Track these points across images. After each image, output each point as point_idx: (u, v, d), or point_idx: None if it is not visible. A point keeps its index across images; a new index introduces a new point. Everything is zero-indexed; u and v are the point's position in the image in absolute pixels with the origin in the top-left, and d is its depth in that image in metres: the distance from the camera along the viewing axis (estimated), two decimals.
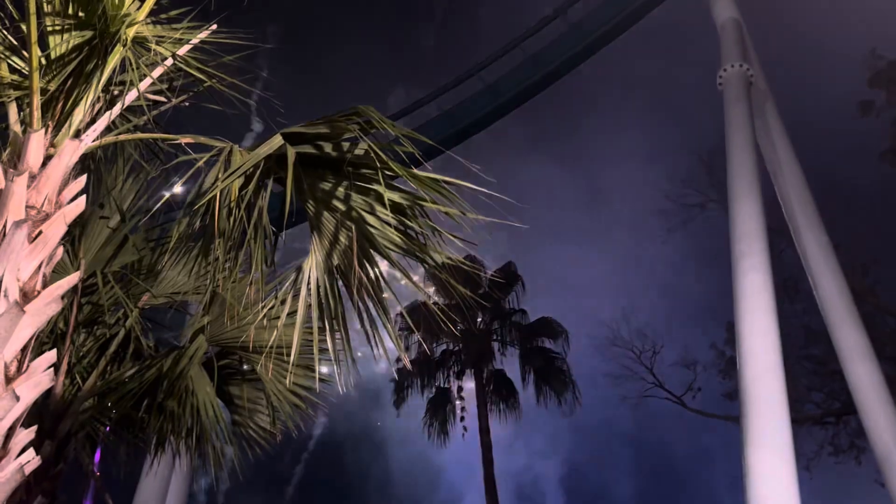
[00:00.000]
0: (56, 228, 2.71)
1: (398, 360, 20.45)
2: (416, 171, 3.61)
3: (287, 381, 5.11)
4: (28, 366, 2.55)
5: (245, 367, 5.65)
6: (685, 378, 22.64)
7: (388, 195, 3.52)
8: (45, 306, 2.57)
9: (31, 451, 2.47)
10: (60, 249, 2.84)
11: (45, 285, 2.66)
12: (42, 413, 4.52)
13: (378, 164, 3.33)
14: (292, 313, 4.78)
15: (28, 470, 2.43)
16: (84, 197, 2.89)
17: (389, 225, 3.75)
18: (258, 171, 3.31)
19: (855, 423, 19.28)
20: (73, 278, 2.71)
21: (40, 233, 2.66)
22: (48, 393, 4.56)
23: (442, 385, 21.94)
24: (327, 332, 4.20)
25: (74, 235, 4.66)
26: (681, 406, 22.59)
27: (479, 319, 22.39)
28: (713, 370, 22.48)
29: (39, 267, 2.67)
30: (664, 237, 23.38)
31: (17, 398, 2.38)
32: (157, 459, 5.68)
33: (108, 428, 5.55)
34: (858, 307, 13.11)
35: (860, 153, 20.81)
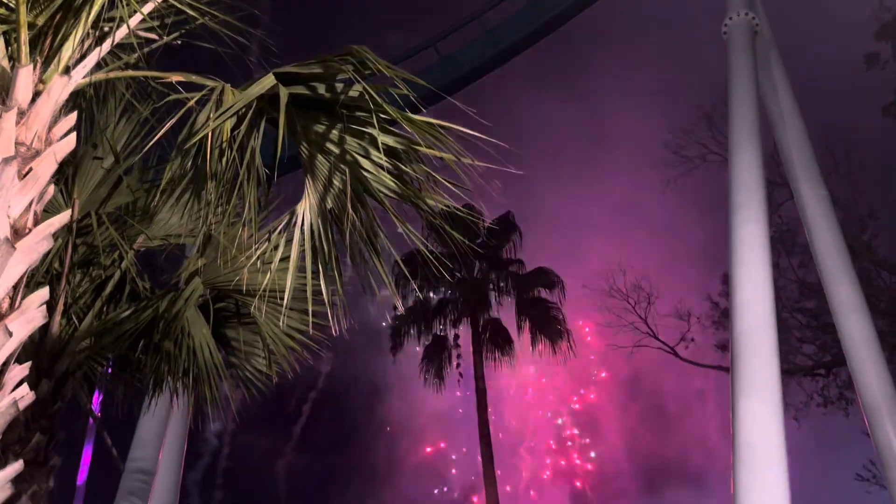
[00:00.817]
0: (47, 166, 2.69)
1: (395, 307, 20.62)
2: (411, 115, 3.57)
3: (282, 324, 5.15)
4: (20, 303, 2.56)
5: (241, 310, 5.69)
6: (679, 328, 22.86)
7: (383, 139, 3.49)
8: (37, 244, 2.57)
9: (25, 387, 2.50)
10: (52, 188, 2.82)
11: (36, 223, 2.66)
12: (39, 352, 4.57)
13: (372, 107, 3.30)
14: (286, 258, 4.80)
15: (22, 405, 2.46)
16: (74, 135, 2.86)
17: (384, 169, 3.73)
18: (250, 112, 3.27)
19: (844, 375, 19.57)
20: (64, 216, 2.70)
21: (30, 170, 2.64)
22: (45, 332, 4.60)
23: (438, 333, 22.18)
24: (321, 276, 4.22)
25: (68, 175, 4.64)
26: (674, 356, 22.87)
27: (476, 268, 22.50)
28: (707, 321, 22.70)
29: (30, 204, 2.65)
30: (663, 187, 23.29)
31: (10, 334, 2.40)
32: (155, 399, 5.77)
33: (106, 369, 5.63)
34: (854, 262, 13.16)
35: (863, 107, 20.60)
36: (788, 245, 20.34)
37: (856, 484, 20.26)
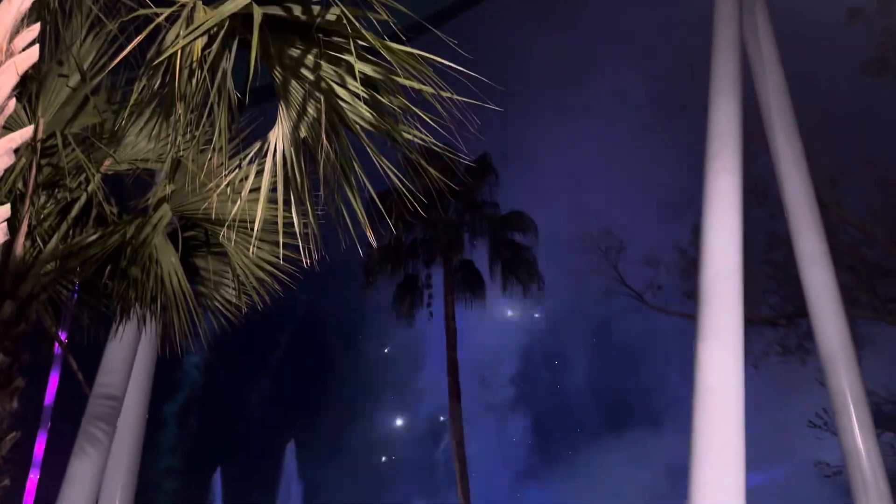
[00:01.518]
0: (7, 77, 2.57)
1: (368, 244, 20.60)
2: (391, 43, 3.47)
3: (251, 254, 5.11)
4: None
5: (210, 239, 5.62)
6: (648, 276, 23.20)
7: (360, 66, 3.40)
8: None
9: None
10: (13, 101, 2.71)
11: None
12: (2, 273, 4.49)
13: (350, 32, 3.20)
14: (257, 189, 4.72)
15: None
16: (37, 46, 2.73)
17: (360, 99, 3.64)
18: (222, 31, 3.15)
19: (805, 326, 20.09)
20: (26, 132, 2.60)
21: None
22: (8, 254, 4.51)
23: (411, 272, 22.29)
24: (293, 207, 4.16)
25: (31, 92, 4.47)
26: (641, 302, 23.26)
27: (451, 209, 22.48)
28: (675, 269, 23.04)
29: None
30: (641, 135, 23.27)
31: None
32: (123, 326, 5.73)
33: (74, 294, 5.56)
34: (823, 216, 13.35)
35: (844, 62, 20.61)
36: (760, 197, 20.55)
37: (807, 430, 21.08)
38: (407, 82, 3.55)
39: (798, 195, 12.80)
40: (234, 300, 5.81)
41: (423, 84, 3.50)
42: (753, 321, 20.37)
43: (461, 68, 3.58)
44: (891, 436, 20.39)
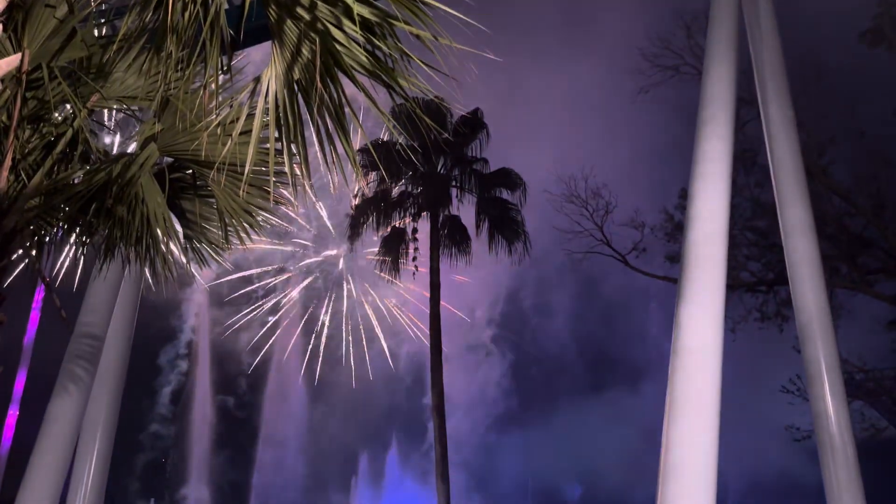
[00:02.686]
0: None
1: (354, 195, 20.49)
2: None
3: (241, 196, 5.05)
4: None
5: (198, 181, 5.55)
6: (632, 238, 23.30)
7: (358, 8, 3.32)
8: None
9: None
10: None
11: None
12: None
13: None
14: (247, 131, 4.65)
15: None
16: None
17: (357, 43, 3.57)
18: None
19: (784, 293, 20.39)
20: (12, 60, 2.53)
21: None
22: None
23: (397, 225, 22.22)
24: (284, 151, 4.11)
25: (17, 21, 4.34)
26: (624, 264, 23.41)
27: (441, 164, 22.34)
28: (660, 233, 23.17)
29: None
30: (634, 97, 23.08)
31: None
32: (107, 265, 5.69)
33: (57, 233, 5.49)
34: (809, 185, 13.41)
35: (841, 32, 20.49)
36: (748, 164, 20.60)
37: (779, 395, 21.55)
38: (404, 27, 3.49)
39: (786, 163, 12.83)
40: (220, 243, 5.77)
41: (422, 29, 3.43)
42: (733, 286, 20.61)
43: (460, 15, 3.52)
44: (860, 403, 20.89)
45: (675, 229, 22.16)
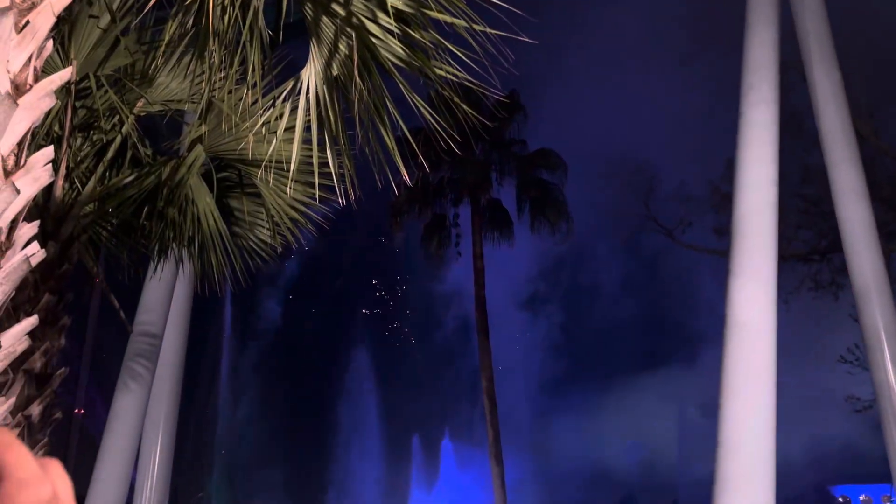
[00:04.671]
0: (44, 18, 2.57)
1: (399, 184, 20.61)
2: None
3: (288, 194, 5.14)
4: (26, 161, 2.53)
5: (244, 180, 5.67)
6: (678, 212, 22.94)
7: (391, 0, 3.34)
8: (39, 100, 2.50)
9: (35, 245, 2.52)
10: (50, 43, 2.72)
11: (36, 79, 2.58)
12: (44, 215, 4.58)
13: None
14: (290, 128, 4.72)
15: (34, 262, 2.48)
16: None
17: (392, 34, 3.59)
18: None
19: (838, 261, 19.84)
20: (65, 73, 2.62)
21: (27, 23, 2.53)
22: (49, 196, 4.59)
23: (438, 212, 22.28)
24: (327, 146, 4.16)
25: (64, 34, 4.47)
26: (670, 239, 23.08)
27: (479, 148, 22.29)
28: (707, 205, 22.73)
29: (30, 60, 2.56)
30: (674, 68, 22.66)
31: (18, 191, 2.38)
32: (161, 266, 5.86)
33: (112, 237, 5.66)
34: (860, 149, 13.01)
35: None
36: (795, 129, 20.05)
37: (838, 365, 21.04)
38: (439, 16, 3.49)
39: (835, 127, 12.45)
40: (268, 240, 5.89)
41: (456, 17, 3.44)
42: (785, 257, 20.15)
43: (497, 0, 3.50)
44: None
45: (723, 201, 21.72)
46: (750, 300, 8.86)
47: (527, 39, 3.75)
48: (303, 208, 5.39)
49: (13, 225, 2.47)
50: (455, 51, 3.65)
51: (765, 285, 8.93)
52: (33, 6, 2.59)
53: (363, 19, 3.52)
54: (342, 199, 3.92)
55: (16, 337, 2.61)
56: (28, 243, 2.55)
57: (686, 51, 21.50)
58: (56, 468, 0.76)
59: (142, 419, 9.31)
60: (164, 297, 9.20)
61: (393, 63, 3.75)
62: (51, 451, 4.69)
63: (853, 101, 14.59)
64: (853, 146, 12.43)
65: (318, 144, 4.07)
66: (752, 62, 10.43)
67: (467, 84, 3.86)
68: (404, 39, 3.62)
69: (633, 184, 22.95)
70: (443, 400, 40.50)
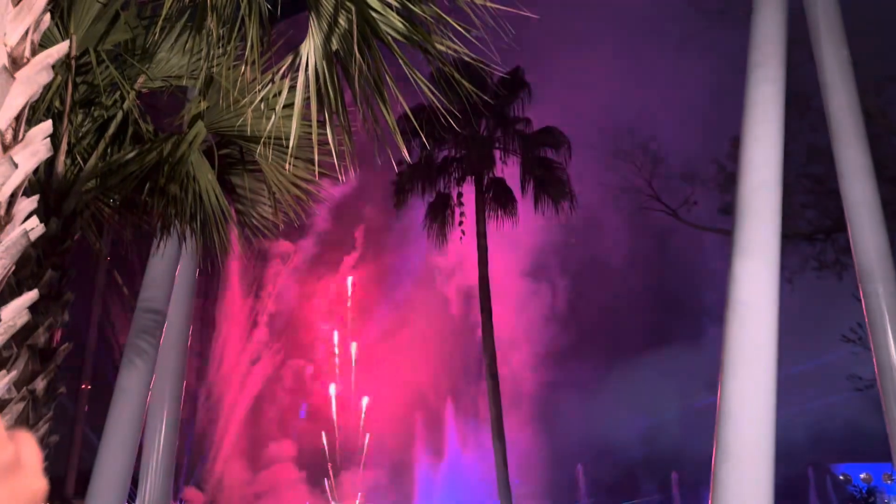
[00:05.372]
0: None
1: (399, 162, 20.57)
2: None
3: (287, 170, 5.14)
4: (24, 135, 2.53)
5: (245, 156, 5.66)
6: (683, 192, 22.85)
7: None
8: (36, 74, 2.50)
9: (34, 219, 2.53)
10: (47, 17, 2.71)
11: (34, 53, 2.57)
12: (46, 191, 4.59)
13: None
14: (290, 104, 4.70)
15: (33, 236, 2.49)
16: None
17: (392, 9, 3.57)
18: None
19: (842, 240, 19.79)
20: (62, 47, 2.61)
21: None
22: (51, 172, 4.60)
23: (442, 191, 22.24)
24: (326, 122, 4.15)
25: (63, 8, 4.44)
26: (675, 218, 23.02)
27: (483, 126, 22.19)
28: (712, 184, 22.65)
29: (27, 33, 2.55)
30: (680, 46, 22.46)
31: (16, 165, 2.39)
32: (164, 242, 5.87)
33: (114, 213, 5.67)
34: (867, 127, 12.91)
35: None
36: (802, 108, 19.89)
37: (841, 344, 21.06)
38: None
39: (842, 105, 12.35)
40: (269, 216, 5.90)
41: None
42: (789, 236, 20.09)
43: None
44: None
45: (728, 180, 21.64)
46: (753, 279, 8.85)
47: (530, 14, 3.72)
48: (304, 184, 5.39)
49: (12, 199, 2.48)
50: (457, 26, 3.63)
51: (768, 264, 8.91)
52: None
53: None
54: (342, 176, 3.92)
55: (16, 311, 2.62)
56: (27, 217, 2.56)
57: (692, 27, 21.27)
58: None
59: (146, 394, 9.38)
60: (168, 274, 9.23)
61: (393, 38, 3.73)
62: (56, 426, 4.74)
63: (861, 79, 14.47)
64: (860, 125, 12.33)
65: (318, 121, 4.06)
66: (758, 39, 10.33)
67: (469, 60, 3.84)
68: (404, 14, 3.59)
69: (638, 162, 22.85)
70: (447, 374, 40.77)
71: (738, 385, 8.47)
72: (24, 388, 4.38)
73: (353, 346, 41.32)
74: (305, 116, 4.60)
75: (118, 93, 4.95)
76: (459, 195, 22.28)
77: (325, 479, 38.30)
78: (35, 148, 2.51)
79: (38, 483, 0.76)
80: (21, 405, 4.33)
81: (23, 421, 4.31)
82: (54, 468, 4.78)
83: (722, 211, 22.26)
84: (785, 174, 9.82)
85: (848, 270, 20.39)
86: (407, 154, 3.89)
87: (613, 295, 39.98)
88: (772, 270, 8.93)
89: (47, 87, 4.35)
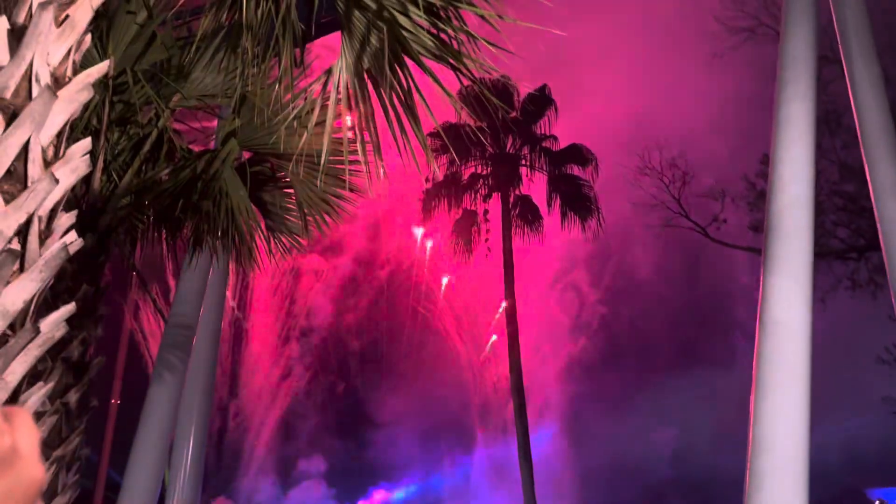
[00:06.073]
0: (83, 13, 2.63)
1: (426, 178, 20.67)
2: None
3: (319, 186, 5.19)
4: (64, 152, 2.59)
5: (277, 173, 5.74)
6: (712, 209, 22.62)
7: None
8: (77, 93, 2.56)
9: (73, 234, 2.58)
10: (88, 37, 2.78)
11: (75, 72, 2.64)
12: (82, 207, 4.69)
13: None
14: (322, 122, 4.76)
15: (72, 250, 2.54)
16: None
17: (423, 28, 3.61)
18: None
19: (876, 259, 19.42)
20: (102, 66, 2.67)
21: (67, 17, 2.60)
22: (87, 188, 4.70)
23: (469, 208, 22.28)
24: (357, 139, 4.19)
25: (102, 30, 4.56)
26: (704, 236, 22.78)
27: (510, 143, 22.23)
28: (741, 202, 22.38)
29: (69, 53, 2.63)
30: (708, 61, 22.32)
31: (57, 181, 2.44)
32: (196, 258, 5.95)
33: (148, 229, 5.77)
34: None
35: None
36: (833, 125, 19.66)
37: (876, 367, 20.61)
38: (468, 8, 3.50)
39: (874, 122, 12.16)
40: (300, 232, 5.95)
41: (485, 9, 3.44)
42: (822, 254, 19.79)
43: None
44: None
45: (758, 198, 21.40)
46: (785, 298, 8.71)
47: (558, 32, 3.74)
48: (334, 200, 5.44)
49: (52, 214, 2.53)
50: (486, 43, 3.65)
51: (800, 283, 8.78)
52: (73, 1, 2.65)
53: (394, 12, 3.54)
54: (373, 193, 3.95)
55: (54, 324, 2.67)
56: (66, 232, 2.61)
57: (721, 44, 21.16)
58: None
59: (175, 409, 9.47)
60: (199, 289, 9.34)
61: (423, 56, 3.77)
62: (87, 440, 4.81)
63: (893, 96, 14.25)
64: (893, 143, 12.13)
65: (349, 138, 4.11)
66: (788, 56, 10.25)
67: (497, 77, 3.86)
68: (434, 31, 3.63)
69: (666, 179, 22.69)
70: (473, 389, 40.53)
71: (771, 406, 8.32)
72: (58, 401, 4.45)
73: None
74: (335, 133, 4.66)
75: (153, 111, 5.05)
76: (486, 212, 22.30)
77: None
78: (75, 164, 2.57)
79: (37, 470, 0.74)
80: (54, 418, 4.40)
81: (55, 434, 4.38)
82: (84, 481, 4.84)
83: (752, 228, 22.00)
84: (816, 192, 9.70)
85: (882, 290, 20.01)
86: (437, 171, 3.91)
87: (643, 310, 39.56)
88: (804, 289, 8.80)
89: (86, 106, 4.46)
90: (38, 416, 4.25)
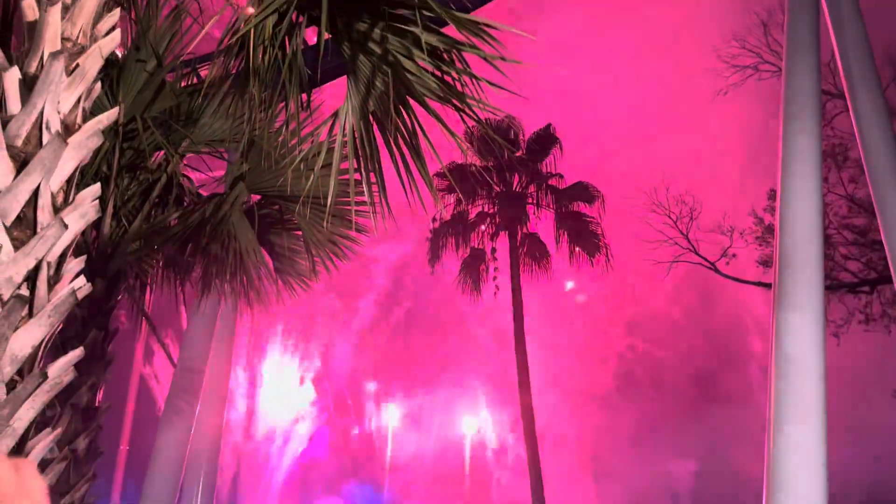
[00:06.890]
0: (93, 62, 2.69)
1: (433, 218, 20.75)
2: (456, 12, 3.46)
3: (325, 228, 5.21)
4: (74, 198, 2.62)
5: (284, 215, 5.77)
6: (721, 244, 22.52)
7: (426, 37, 3.41)
8: (87, 139, 2.60)
9: (82, 278, 2.59)
10: (98, 85, 2.83)
11: (85, 119, 2.68)
12: (92, 252, 4.72)
13: (416, 3, 3.21)
14: (328, 164, 4.81)
15: (80, 295, 2.55)
16: (119, 30, 2.84)
17: (427, 71, 3.66)
18: (291, 7, 3.21)
19: (889, 293, 19.26)
20: (112, 114, 2.72)
21: (77, 66, 2.65)
22: (97, 234, 4.74)
23: (476, 246, 22.31)
24: (363, 181, 4.22)
25: (112, 78, 4.65)
26: (714, 271, 22.66)
27: (515, 182, 22.35)
28: (750, 237, 22.30)
29: (79, 101, 2.68)
30: (712, 99, 22.47)
31: (66, 226, 2.47)
32: (205, 301, 5.97)
33: (157, 271, 5.79)
34: None
35: None
36: (840, 159, 19.68)
37: (892, 401, 20.27)
38: (473, 52, 3.55)
39: (881, 155, 12.18)
40: (307, 274, 5.96)
41: (489, 52, 3.49)
42: (833, 288, 19.64)
43: (526, 34, 3.56)
44: None
45: (766, 232, 21.34)
46: (797, 333, 8.63)
47: (562, 71, 3.78)
48: (341, 241, 5.46)
49: (61, 259, 2.56)
50: (489, 84, 3.70)
51: (812, 318, 8.70)
52: (83, 50, 2.71)
53: (398, 56, 3.59)
54: (377, 231, 3.96)
55: (62, 368, 2.67)
56: (75, 278, 2.63)
57: (723, 82, 21.35)
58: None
59: (184, 455, 9.40)
60: (207, 333, 9.34)
61: (428, 98, 3.81)
62: (96, 487, 4.76)
63: None
64: None
65: (356, 179, 4.14)
66: (793, 91, 10.33)
67: (502, 118, 3.89)
68: (439, 74, 3.68)
69: (674, 215, 22.69)
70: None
71: (787, 442, 8.19)
72: (66, 448, 4.42)
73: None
74: (342, 175, 4.70)
75: (163, 156, 5.11)
76: (493, 250, 22.32)
77: None
78: (84, 210, 2.60)
79: None
80: (62, 465, 4.36)
81: (64, 481, 4.34)
82: None
83: (762, 263, 21.90)
84: (825, 226, 9.69)
85: None
86: (445, 212, 3.93)
87: (657, 346, 39.22)
88: (816, 324, 8.72)
89: (96, 152, 4.52)
90: (46, 463, 4.22)
